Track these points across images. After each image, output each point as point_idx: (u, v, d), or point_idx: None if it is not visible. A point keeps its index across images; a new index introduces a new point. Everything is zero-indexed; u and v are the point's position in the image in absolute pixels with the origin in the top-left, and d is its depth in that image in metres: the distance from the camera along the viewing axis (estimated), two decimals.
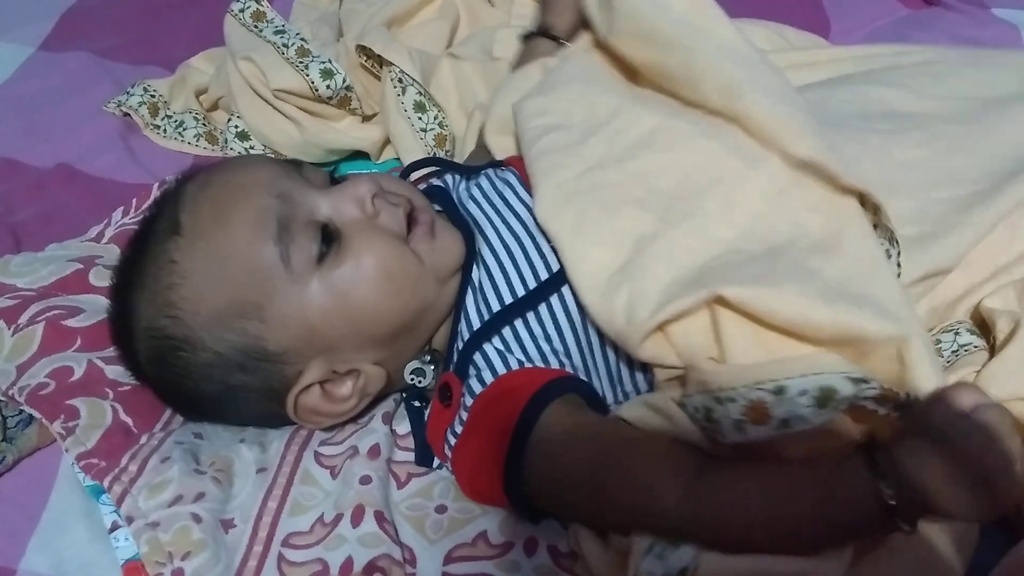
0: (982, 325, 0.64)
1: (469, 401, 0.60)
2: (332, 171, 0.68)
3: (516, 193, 0.68)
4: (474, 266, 0.65)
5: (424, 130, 0.92)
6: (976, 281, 0.64)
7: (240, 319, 0.59)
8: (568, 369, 0.61)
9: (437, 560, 0.58)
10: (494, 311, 0.62)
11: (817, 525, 0.48)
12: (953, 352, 0.62)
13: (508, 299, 0.62)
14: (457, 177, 0.74)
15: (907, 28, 1.05)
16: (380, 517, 0.59)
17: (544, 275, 0.63)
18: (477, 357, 0.61)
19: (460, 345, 0.62)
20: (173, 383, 0.63)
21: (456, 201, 0.71)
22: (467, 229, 0.67)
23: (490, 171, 0.72)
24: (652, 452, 0.54)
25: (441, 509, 0.61)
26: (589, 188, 0.63)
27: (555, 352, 0.61)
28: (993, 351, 0.61)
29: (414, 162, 0.79)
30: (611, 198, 0.62)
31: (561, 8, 0.84)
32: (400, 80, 0.92)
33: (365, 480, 0.61)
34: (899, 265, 0.59)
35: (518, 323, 0.61)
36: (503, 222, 0.67)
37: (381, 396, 0.68)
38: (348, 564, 0.56)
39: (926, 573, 0.53)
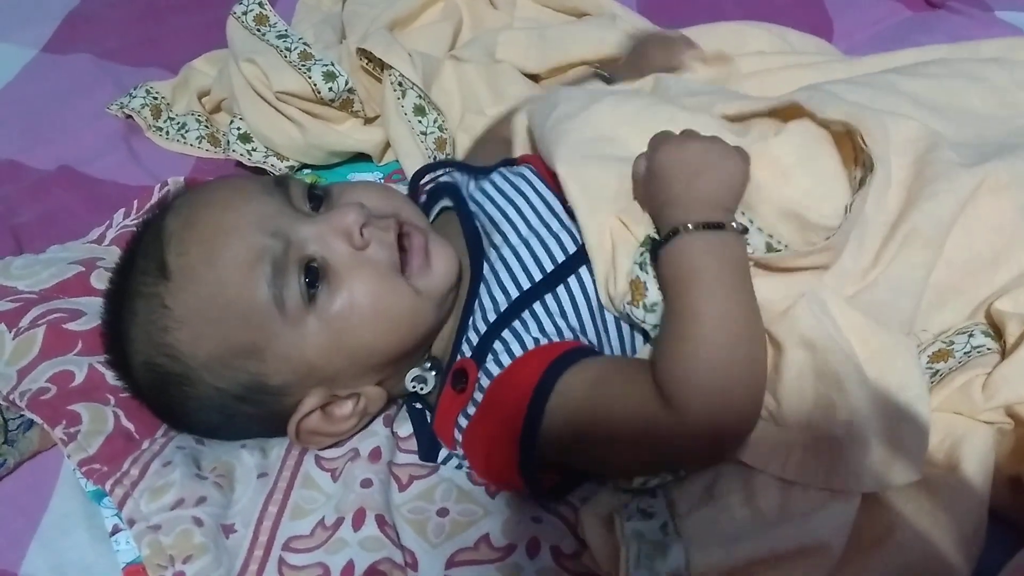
0: (996, 328, 0.63)
1: (485, 383, 0.60)
2: (311, 183, 0.66)
3: (532, 184, 0.68)
4: (484, 263, 0.65)
5: (424, 133, 0.92)
6: (1004, 281, 0.63)
7: (239, 360, 0.60)
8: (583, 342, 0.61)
9: (439, 564, 0.58)
10: (513, 298, 0.62)
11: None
12: (966, 353, 0.61)
13: (526, 284, 0.63)
14: (467, 176, 0.74)
15: (910, 30, 1.05)
16: (381, 520, 0.58)
17: (561, 257, 0.63)
18: (496, 342, 0.61)
19: (473, 335, 0.62)
20: (173, 410, 0.63)
21: (467, 197, 0.71)
22: (472, 228, 0.67)
23: (503, 168, 0.72)
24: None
25: (443, 512, 0.60)
26: (602, 158, 0.64)
27: (571, 328, 0.61)
28: (1005, 354, 0.61)
29: (424, 167, 0.78)
30: (622, 169, 0.62)
31: (639, 72, 0.82)
32: (400, 84, 0.91)
33: (366, 483, 0.61)
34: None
35: (536, 305, 0.62)
36: (518, 212, 0.66)
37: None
38: (349, 568, 0.56)
39: (932, 571, 0.53)
